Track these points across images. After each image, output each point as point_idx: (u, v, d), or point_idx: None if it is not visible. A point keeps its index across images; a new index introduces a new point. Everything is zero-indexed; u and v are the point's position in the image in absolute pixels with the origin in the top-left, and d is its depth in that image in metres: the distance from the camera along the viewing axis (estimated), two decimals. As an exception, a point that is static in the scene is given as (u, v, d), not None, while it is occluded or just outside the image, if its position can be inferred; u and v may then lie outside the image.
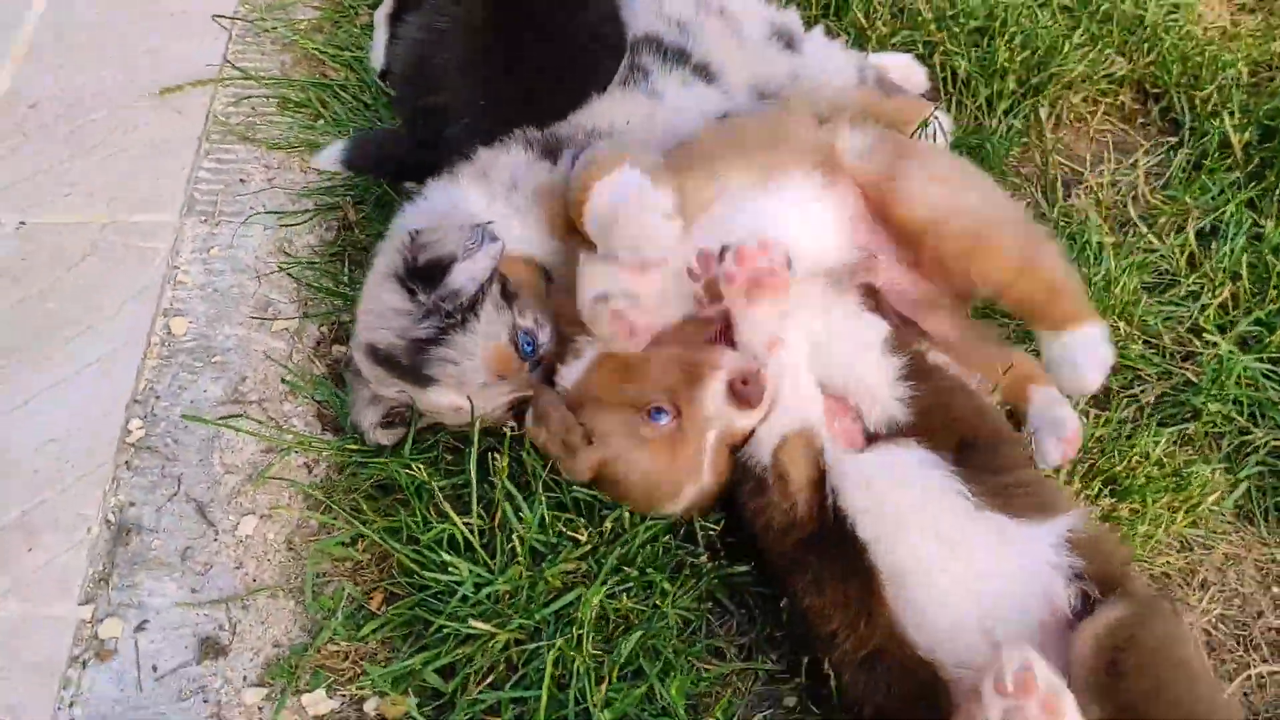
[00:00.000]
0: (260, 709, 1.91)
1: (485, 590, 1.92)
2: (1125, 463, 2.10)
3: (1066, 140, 2.83)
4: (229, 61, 2.93)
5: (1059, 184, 2.66)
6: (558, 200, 2.12)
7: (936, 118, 2.67)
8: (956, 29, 2.92)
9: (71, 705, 1.90)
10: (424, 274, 1.96)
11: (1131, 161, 2.75)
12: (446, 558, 1.94)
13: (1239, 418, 2.25)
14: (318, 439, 2.22)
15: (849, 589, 1.74)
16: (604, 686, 1.80)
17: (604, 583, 1.91)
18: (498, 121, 2.28)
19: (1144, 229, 2.57)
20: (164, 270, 2.50)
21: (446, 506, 1.98)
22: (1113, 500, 2.07)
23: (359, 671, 1.92)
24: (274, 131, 2.81)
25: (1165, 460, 2.14)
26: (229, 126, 2.82)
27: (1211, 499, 2.11)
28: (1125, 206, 2.65)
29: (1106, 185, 2.67)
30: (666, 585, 1.93)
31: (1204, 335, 2.36)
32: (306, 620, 2.01)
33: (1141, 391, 2.29)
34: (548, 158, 2.24)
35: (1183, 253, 2.51)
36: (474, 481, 2.00)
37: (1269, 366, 2.31)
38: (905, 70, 2.87)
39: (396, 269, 1.99)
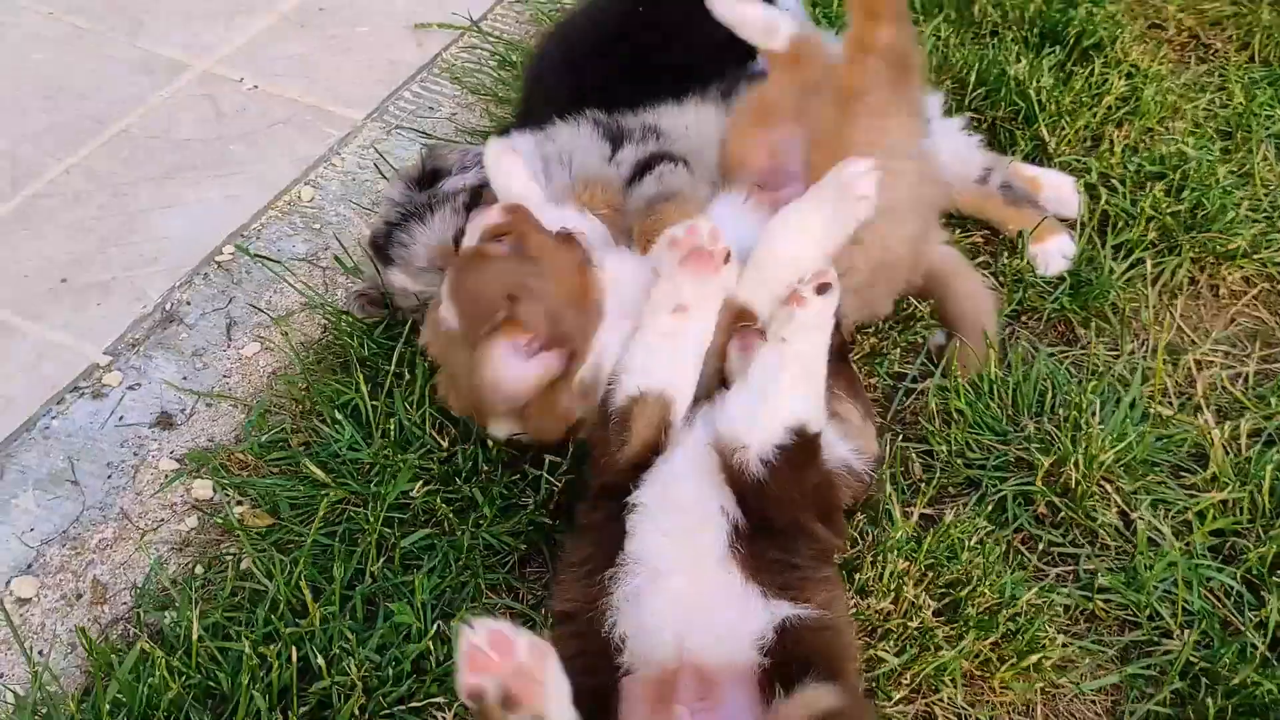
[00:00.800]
0: (165, 475, 2.25)
1: (353, 455, 2.14)
2: (973, 588, 1.91)
3: (1195, 310, 2.54)
4: (475, 24, 3.38)
5: (1163, 348, 2.39)
6: (597, 189, 2.29)
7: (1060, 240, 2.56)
8: (1131, 168, 2.72)
9: (52, 416, 2.35)
10: (425, 179, 2.22)
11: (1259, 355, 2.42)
12: (339, 418, 2.18)
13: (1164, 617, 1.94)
14: (333, 309, 2.51)
15: (600, 547, 1.77)
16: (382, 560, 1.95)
17: (437, 484, 2.06)
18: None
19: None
20: (324, 151, 2.97)
21: (362, 380, 2.22)
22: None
23: (244, 480, 2.20)
24: (481, 79, 3.21)
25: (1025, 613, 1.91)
26: (449, 66, 3.26)
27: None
28: (1221, 391, 2.34)
29: (1218, 370, 2.37)
30: (488, 510, 2.04)
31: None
32: (241, 432, 2.33)
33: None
34: (610, 142, 2.41)
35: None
36: (392, 368, 2.22)
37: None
38: (1059, 191, 2.71)
39: (409, 173, 2.27)
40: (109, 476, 2.26)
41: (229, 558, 2.07)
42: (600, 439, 1.94)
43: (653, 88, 2.47)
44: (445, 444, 2.12)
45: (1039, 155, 2.83)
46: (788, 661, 1.64)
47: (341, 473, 2.14)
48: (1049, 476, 2.12)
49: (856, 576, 1.95)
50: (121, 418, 2.37)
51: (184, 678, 1.81)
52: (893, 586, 1.93)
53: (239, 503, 2.19)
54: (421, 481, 2.08)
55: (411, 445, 2.15)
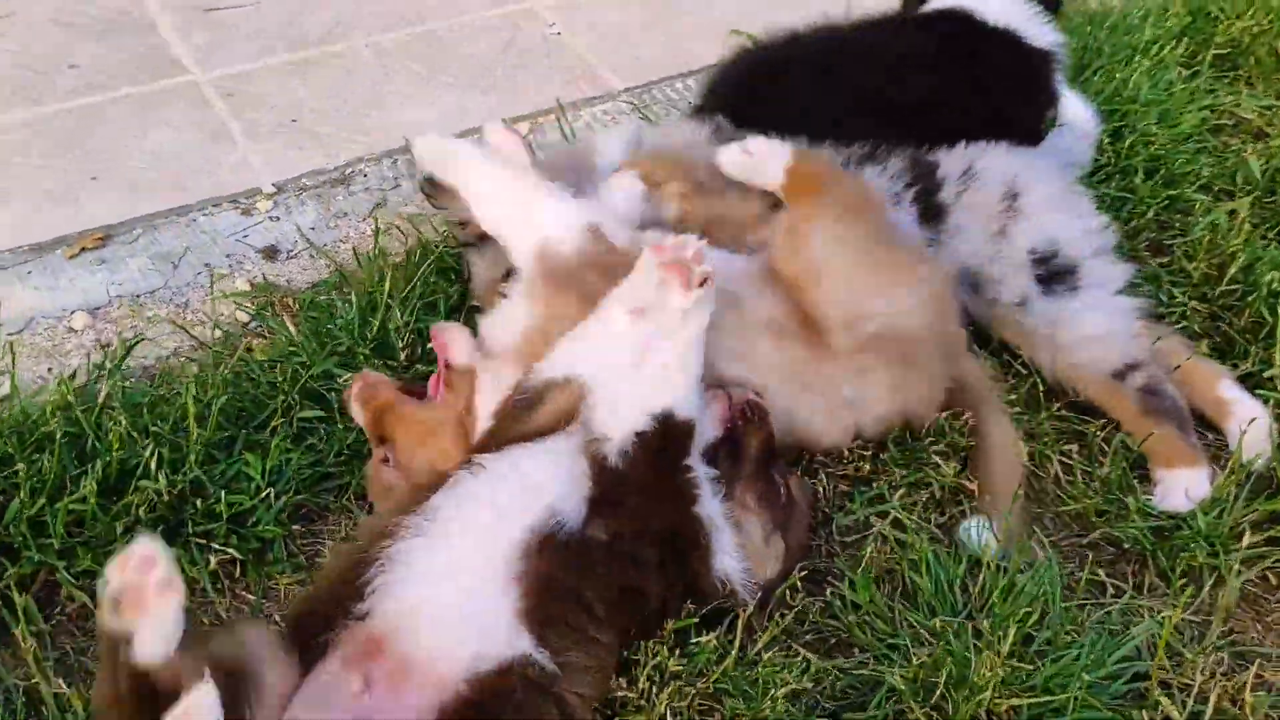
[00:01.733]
0: (234, 291, 2.49)
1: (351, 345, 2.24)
2: None
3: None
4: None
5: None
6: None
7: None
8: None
9: (205, 212, 2.69)
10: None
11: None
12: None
13: None
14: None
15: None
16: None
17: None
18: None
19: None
20: (575, 99, 3.09)
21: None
22: None
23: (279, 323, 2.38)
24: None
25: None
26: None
27: None
28: None
29: None
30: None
31: None
32: (312, 287, 2.50)
33: None
34: None
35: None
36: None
37: None
38: (1253, 427, 2.14)
39: None
40: (198, 273, 2.54)
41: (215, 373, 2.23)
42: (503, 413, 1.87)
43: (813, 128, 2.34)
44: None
45: (1254, 379, 2.25)
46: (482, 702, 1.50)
47: (337, 349, 2.23)
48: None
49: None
50: (246, 235, 2.65)
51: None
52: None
53: (258, 336, 2.36)
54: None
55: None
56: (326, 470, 2.08)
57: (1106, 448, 2.20)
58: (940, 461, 2.12)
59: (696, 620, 1.76)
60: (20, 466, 1.90)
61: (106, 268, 2.53)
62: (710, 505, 1.74)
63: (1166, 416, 2.15)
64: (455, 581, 1.59)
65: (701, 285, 1.75)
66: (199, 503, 1.93)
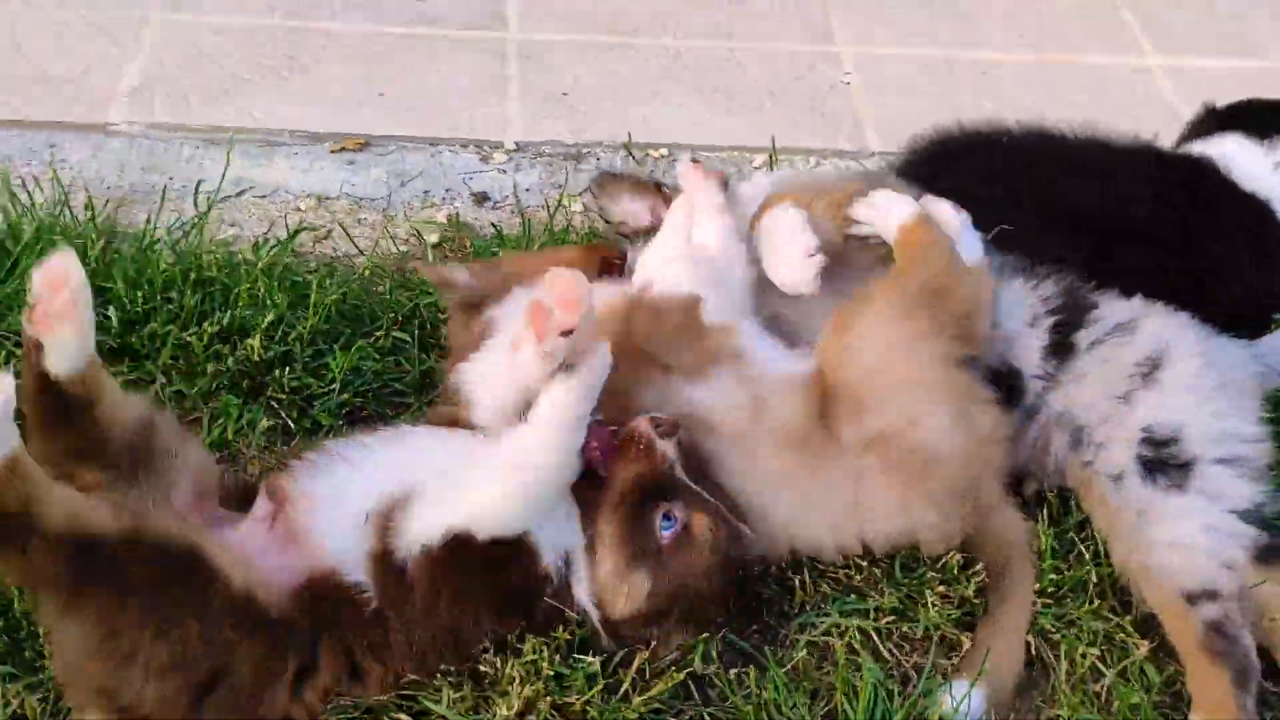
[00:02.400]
0: (432, 220, 2.80)
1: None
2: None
3: None
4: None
5: None
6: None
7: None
8: None
9: (452, 150, 3.03)
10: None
11: None
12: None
13: None
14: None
15: None
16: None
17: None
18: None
19: None
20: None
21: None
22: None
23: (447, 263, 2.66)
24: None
25: None
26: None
27: None
28: None
29: None
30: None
31: None
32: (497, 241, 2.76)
33: None
34: None
35: None
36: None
37: None
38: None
39: None
40: (416, 196, 2.88)
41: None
42: None
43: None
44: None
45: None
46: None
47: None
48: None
49: None
50: (471, 178, 2.96)
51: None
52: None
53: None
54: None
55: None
56: (398, 388, 2.31)
57: (1146, 672, 1.93)
58: (938, 601, 1.97)
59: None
60: (174, 295, 2.30)
61: (351, 169, 2.93)
62: (564, 538, 1.76)
63: (1228, 662, 1.85)
64: (344, 498, 1.76)
65: (565, 335, 1.67)
66: (282, 372, 2.24)
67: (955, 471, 1.95)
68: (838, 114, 3.27)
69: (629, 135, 3.08)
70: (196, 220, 2.58)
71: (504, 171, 3.00)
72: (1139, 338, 2.14)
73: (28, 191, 2.57)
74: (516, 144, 3.07)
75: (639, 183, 2.49)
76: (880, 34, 3.58)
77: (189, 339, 2.24)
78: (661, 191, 2.44)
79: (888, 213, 2.11)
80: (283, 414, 2.22)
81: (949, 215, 2.16)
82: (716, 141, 3.14)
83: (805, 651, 1.91)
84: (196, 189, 2.69)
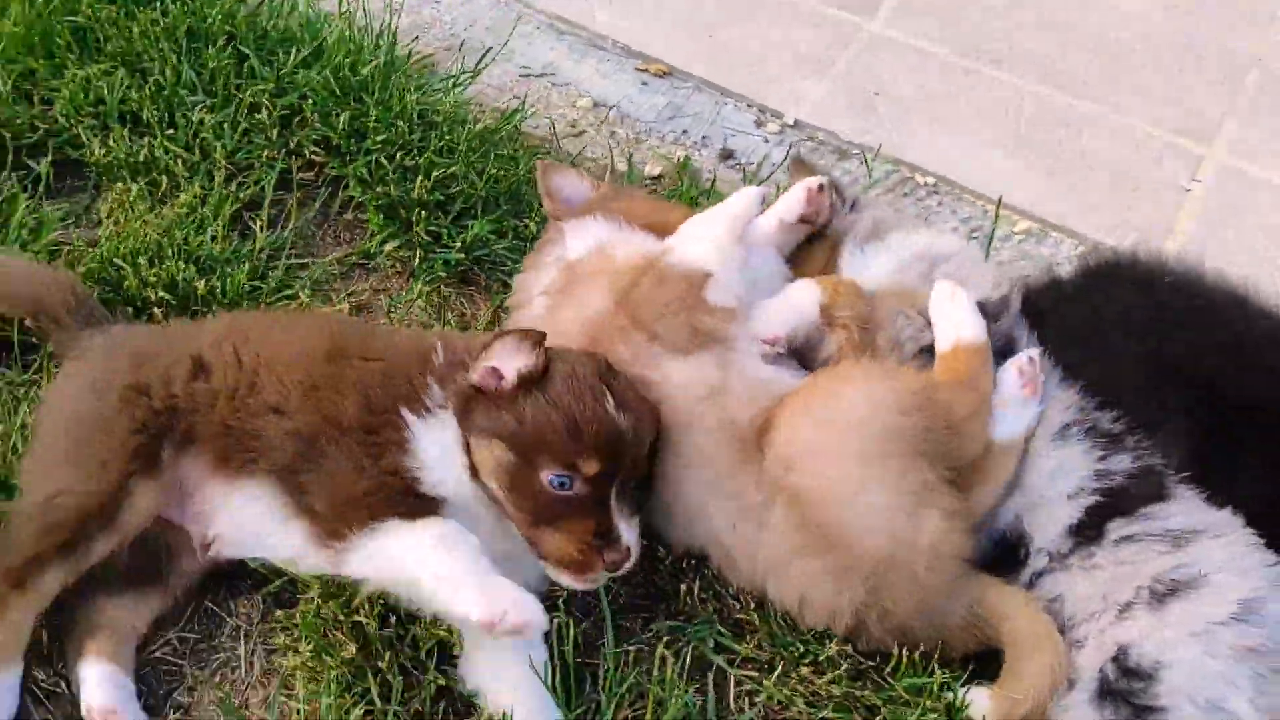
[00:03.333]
0: (673, 159, 2.95)
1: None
2: None
3: None
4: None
5: None
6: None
7: None
8: None
9: (720, 108, 3.14)
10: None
11: None
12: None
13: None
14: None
15: None
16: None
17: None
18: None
19: None
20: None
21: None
22: None
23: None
24: None
25: None
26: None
27: None
28: None
29: None
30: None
31: None
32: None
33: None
34: None
35: None
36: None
37: None
38: None
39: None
40: (673, 132, 3.04)
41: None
42: None
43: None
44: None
45: None
46: None
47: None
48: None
49: None
50: (732, 135, 3.05)
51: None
52: None
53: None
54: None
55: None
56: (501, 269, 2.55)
57: None
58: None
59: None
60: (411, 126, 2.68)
61: (640, 89, 3.15)
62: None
63: None
64: None
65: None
66: (429, 215, 2.55)
67: (870, 560, 1.82)
68: (1149, 218, 2.88)
69: (897, 151, 2.99)
70: (471, 75, 2.95)
71: (766, 140, 3.05)
72: (1182, 555, 1.80)
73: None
74: (795, 121, 3.10)
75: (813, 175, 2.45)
76: (1267, 154, 3.06)
77: (387, 158, 2.61)
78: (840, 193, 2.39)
79: (954, 322, 1.98)
80: (415, 247, 2.53)
81: (1010, 385, 1.97)
82: (988, 189, 2.92)
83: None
84: (485, 54, 2.99)
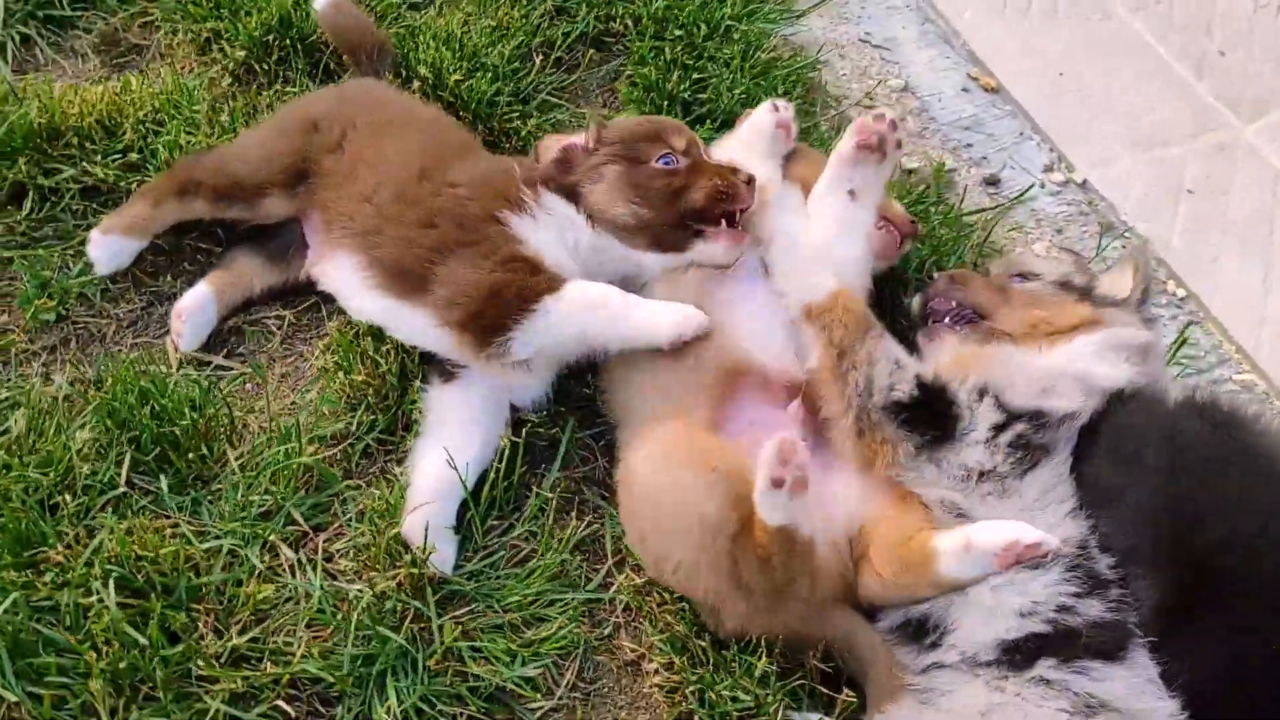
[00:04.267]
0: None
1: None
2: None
3: None
4: None
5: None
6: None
7: None
8: None
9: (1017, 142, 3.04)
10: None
11: None
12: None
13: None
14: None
15: None
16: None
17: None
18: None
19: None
20: None
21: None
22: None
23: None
24: None
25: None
26: None
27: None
28: None
29: None
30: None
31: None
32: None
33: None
34: None
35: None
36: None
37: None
38: None
39: None
40: (960, 142, 3.02)
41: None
42: None
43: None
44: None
45: None
46: None
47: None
48: None
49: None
50: (1009, 168, 2.97)
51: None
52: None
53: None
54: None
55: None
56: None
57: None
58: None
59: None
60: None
61: (960, 94, 3.14)
62: None
63: None
64: None
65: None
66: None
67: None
68: None
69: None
70: (795, 16, 3.12)
71: (1042, 186, 2.94)
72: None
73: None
74: (1084, 180, 2.95)
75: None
76: None
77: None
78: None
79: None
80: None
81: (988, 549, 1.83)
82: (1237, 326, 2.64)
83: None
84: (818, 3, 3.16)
